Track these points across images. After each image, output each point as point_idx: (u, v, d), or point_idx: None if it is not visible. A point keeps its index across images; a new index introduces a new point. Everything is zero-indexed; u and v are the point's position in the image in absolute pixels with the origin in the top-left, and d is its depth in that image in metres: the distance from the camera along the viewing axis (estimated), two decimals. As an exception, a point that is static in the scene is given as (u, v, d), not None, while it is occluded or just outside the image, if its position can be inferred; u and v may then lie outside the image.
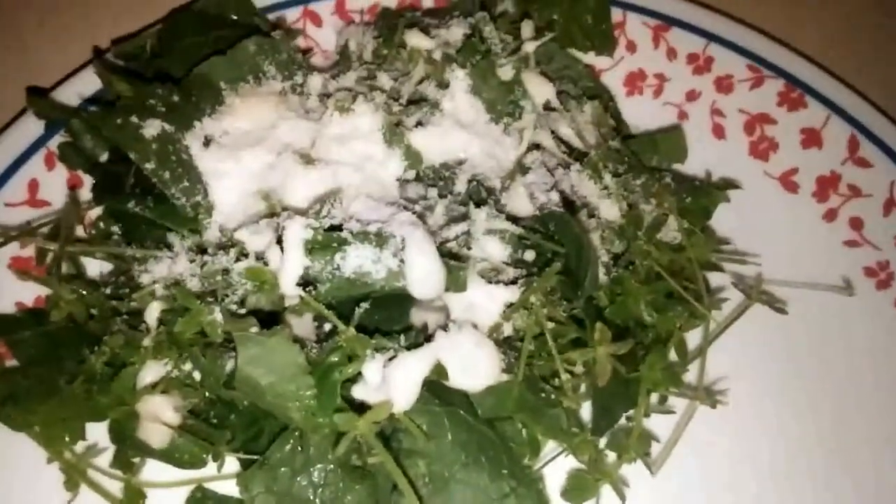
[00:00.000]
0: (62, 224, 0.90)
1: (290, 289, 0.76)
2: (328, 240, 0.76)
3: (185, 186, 0.86)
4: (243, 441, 0.86)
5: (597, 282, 0.80)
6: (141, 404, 0.84)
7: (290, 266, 0.75)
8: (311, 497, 0.80)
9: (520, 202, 0.87)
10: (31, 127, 0.99)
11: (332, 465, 0.81)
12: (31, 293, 0.95)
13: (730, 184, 1.06)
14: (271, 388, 0.74)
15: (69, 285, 0.88)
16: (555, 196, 0.86)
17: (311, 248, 0.76)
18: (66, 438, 0.86)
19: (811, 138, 1.08)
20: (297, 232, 0.75)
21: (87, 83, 1.02)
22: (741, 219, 1.05)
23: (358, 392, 0.76)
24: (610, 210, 0.91)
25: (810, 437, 0.94)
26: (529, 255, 0.86)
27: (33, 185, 0.98)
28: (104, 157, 0.97)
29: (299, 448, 0.81)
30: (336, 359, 0.75)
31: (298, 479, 0.80)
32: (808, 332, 0.99)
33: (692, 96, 1.13)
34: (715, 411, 0.89)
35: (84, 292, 0.88)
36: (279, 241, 0.78)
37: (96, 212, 0.96)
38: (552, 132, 0.95)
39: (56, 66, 1.09)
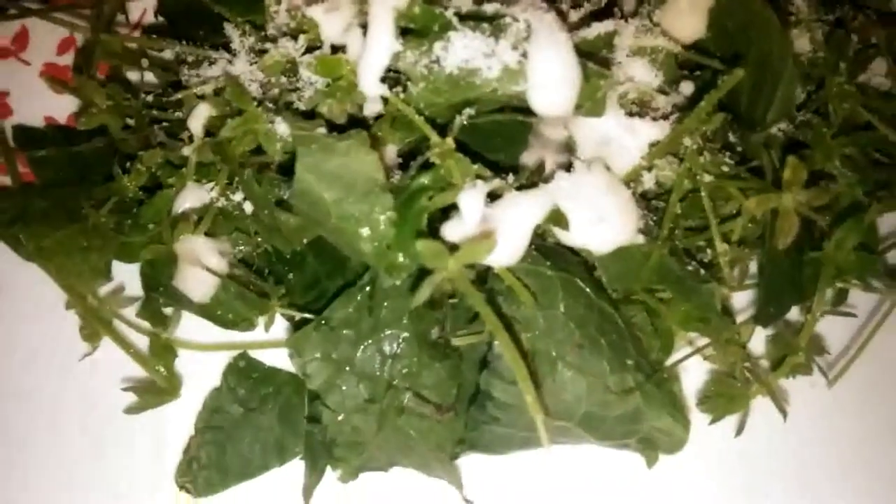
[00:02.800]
0: (101, 9, 0.73)
1: (371, 84, 0.57)
2: (429, 16, 0.56)
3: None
4: (301, 306, 0.70)
5: (789, 106, 0.59)
6: (180, 244, 0.68)
7: (375, 50, 0.56)
8: (378, 370, 0.63)
9: (680, 20, 0.66)
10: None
11: (407, 333, 0.63)
12: (64, 110, 0.80)
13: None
14: (338, 205, 0.55)
15: (104, 89, 0.71)
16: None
17: (406, 28, 0.57)
18: (88, 277, 0.70)
19: None
20: None
21: None
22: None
23: (449, 231, 0.56)
24: (797, 39, 0.68)
25: None
26: (687, 88, 0.65)
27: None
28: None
29: (368, 310, 0.64)
30: (425, 181, 0.57)
31: (363, 346, 0.63)
32: None
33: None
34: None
35: (121, 100, 0.71)
36: (363, 25, 0.59)
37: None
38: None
39: None
